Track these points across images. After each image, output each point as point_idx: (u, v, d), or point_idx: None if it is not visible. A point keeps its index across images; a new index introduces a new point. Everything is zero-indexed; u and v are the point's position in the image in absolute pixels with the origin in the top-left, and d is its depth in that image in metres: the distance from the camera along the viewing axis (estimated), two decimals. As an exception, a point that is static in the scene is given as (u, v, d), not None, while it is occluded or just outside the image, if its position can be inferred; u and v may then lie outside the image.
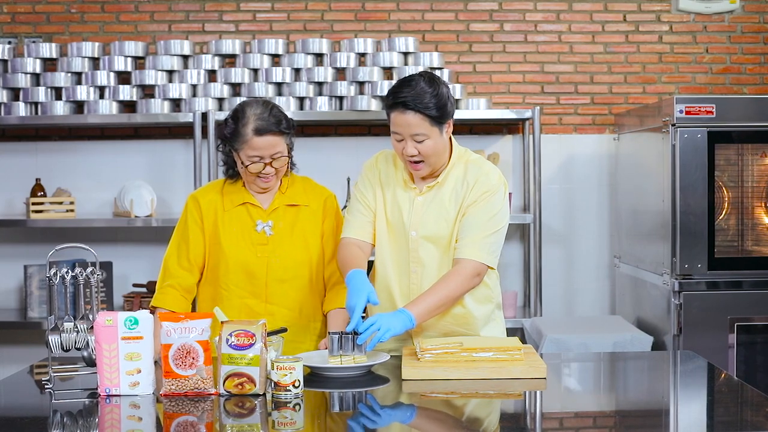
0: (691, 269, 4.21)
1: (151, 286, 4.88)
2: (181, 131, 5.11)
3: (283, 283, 3.22)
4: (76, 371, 2.88)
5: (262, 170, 3.15)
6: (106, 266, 4.96)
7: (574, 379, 3.11)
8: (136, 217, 4.78)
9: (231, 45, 4.93)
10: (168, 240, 3.32)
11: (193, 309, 3.38)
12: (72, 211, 4.90)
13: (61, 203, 4.91)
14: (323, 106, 4.82)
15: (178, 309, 3.17)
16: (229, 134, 3.17)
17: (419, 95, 2.98)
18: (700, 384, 3.01)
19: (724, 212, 4.36)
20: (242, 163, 3.16)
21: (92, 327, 2.77)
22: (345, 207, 4.93)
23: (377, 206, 3.19)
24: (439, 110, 3.00)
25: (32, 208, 4.85)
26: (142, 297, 4.85)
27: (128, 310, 4.61)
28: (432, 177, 3.15)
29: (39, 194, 4.95)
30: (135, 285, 4.99)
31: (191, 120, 4.76)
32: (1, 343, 4.80)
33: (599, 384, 3.11)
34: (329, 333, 2.94)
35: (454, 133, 3.15)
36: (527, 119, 4.92)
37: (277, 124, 3.14)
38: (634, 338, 4.35)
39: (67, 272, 2.80)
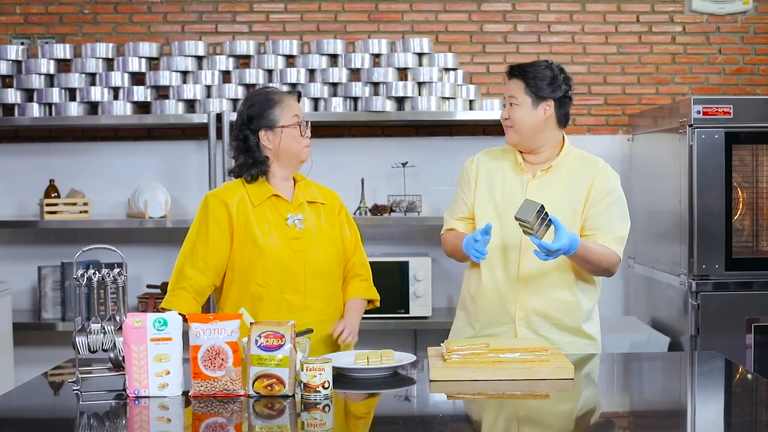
0: (709, 270, 4.21)
1: (165, 288, 4.86)
2: (194, 132, 5.11)
3: (320, 278, 3.23)
4: (103, 373, 2.87)
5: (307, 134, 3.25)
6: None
7: (594, 379, 3.10)
8: (150, 218, 4.78)
9: (245, 46, 4.92)
10: (182, 241, 3.30)
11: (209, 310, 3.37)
12: (86, 212, 4.89)
13: (74, 204, 4.90)
14: (338, 106, 4.82)
15: (189, 312, 3.15)
16: (260, 111, 3.21)
17: (525, 67, 3.27)
18: (723, 384, 3.01)
19: (739, 213, 4.35)
20: (289, 126, 3.20)
21: (120, 328, 2.76)
22: (358, 208, 4.95)
23: (478, 198, 3.33)
24: (534, 81, 3.21)
25: (46, 209, 4.84)
26: (156, 298, 4.84)
27: (143, 311, 4.63)
28: (542, 162, 3.31)
29: (53, 195, 4.95)
30: (149, 286, 4.99)
31: (206, 121, 4.75)
32: (15, 345, 4.78)
33: (621, 385, 3.11)
34: (525, 202, 3.02)
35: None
36: (541, 120, 4.90)
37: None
38: (651, 339, 4.34)
39: (94, 273, 2.79)
